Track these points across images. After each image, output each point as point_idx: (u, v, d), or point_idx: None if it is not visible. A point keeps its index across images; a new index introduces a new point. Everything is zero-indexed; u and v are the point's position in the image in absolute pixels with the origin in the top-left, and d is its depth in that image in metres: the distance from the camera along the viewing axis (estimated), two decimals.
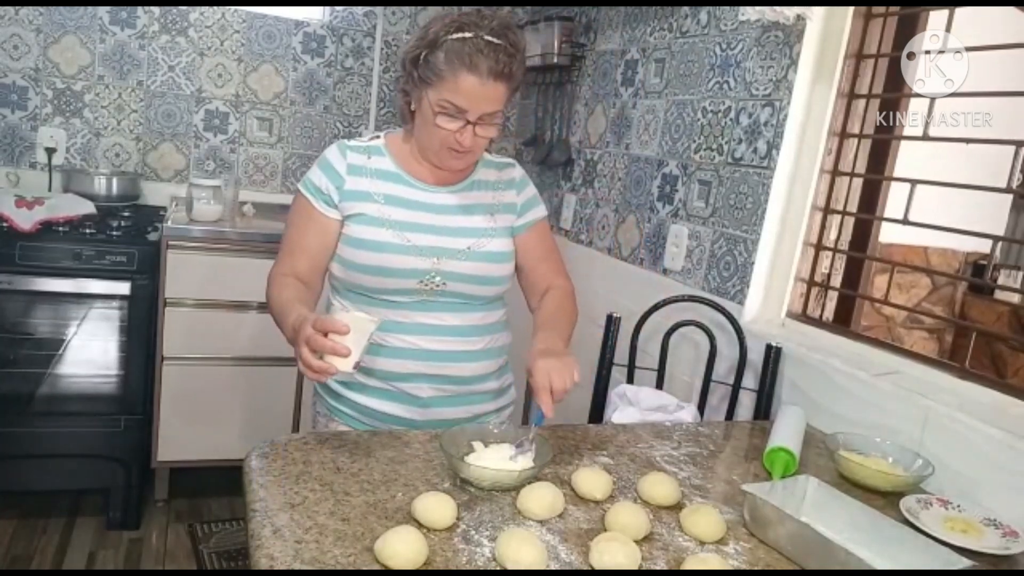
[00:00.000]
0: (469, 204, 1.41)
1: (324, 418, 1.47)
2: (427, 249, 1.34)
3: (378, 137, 1.42)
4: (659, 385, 1.89)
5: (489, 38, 1.22)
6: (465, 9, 1.27)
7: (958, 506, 1.21)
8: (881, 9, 1.73)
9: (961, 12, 1.55)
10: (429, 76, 1.25)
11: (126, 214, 2.54)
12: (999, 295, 3.02)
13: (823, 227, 1.83)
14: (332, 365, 1.09)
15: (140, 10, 2.73)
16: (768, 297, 1.89)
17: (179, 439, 2.44)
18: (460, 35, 1.22)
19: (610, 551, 0.91)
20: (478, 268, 1.37)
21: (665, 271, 2.21)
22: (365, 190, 1.35)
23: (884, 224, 1.84)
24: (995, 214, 2.77)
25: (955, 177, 1.57)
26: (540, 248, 1.49)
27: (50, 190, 2.62)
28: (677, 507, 1.10)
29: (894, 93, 1.71)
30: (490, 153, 1.48)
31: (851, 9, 1.72)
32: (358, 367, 1.13)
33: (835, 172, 1.80)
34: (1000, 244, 2.54)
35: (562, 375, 1.17)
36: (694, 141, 2.12)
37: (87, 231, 2.26)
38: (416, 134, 1.36)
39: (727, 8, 2.01)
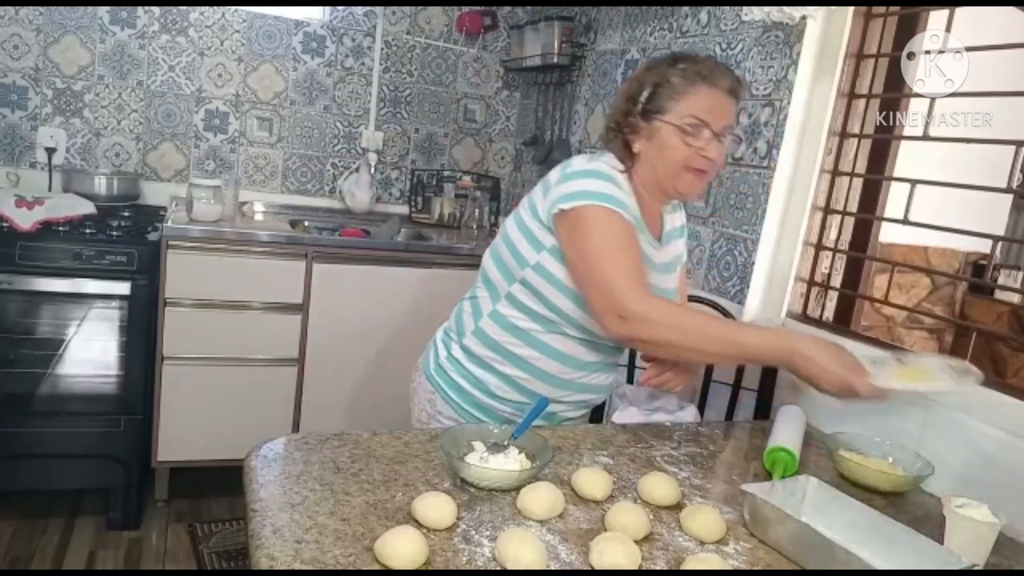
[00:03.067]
0: (670, 261, 1.44)
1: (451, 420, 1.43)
2: None
3: (623, 171, 1.32)
4: None
5: (714, 60, 1.31)
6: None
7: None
8: (881, 9, 1.73)
9: (961, 12, 1.55)
10: (665, 104, 1.27)
11: (126, 214, 2.54)
12: (999, 295, 3.01)
13: (823, 227, 1.83)
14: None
15: (140, 10, 2.73)
16: (768, 297, 1.89)
17: (179, 439, 2.44)
18: (688, 60, 1.29)
19: (610, 551, 0.91)
20: None
21: None
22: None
23: (884, 224, 1.84)
24: (995, 214, 2.76)
25: (955, 177, 1.57)
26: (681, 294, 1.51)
27: (50, 190, 2.62)
28: (677, 507, 1.10)
29: (894, 93, 1.71)
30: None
31: (851, 9, 1.72)
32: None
33: (835, 172, 1.80)
34: (1000, 244, 2.54)
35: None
36: None
37: (87, 231, 2.26)
38: (647, 169, 1.32)
39: (727, 8, 2.01)
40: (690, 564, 0.93)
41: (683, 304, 1.50)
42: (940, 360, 1.24)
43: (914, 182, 1.61)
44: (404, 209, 3.17)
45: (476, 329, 1.40)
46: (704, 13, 2.11)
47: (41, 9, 2.62)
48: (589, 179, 1.26)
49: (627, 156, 1.33)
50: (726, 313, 1.83)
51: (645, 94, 1.29)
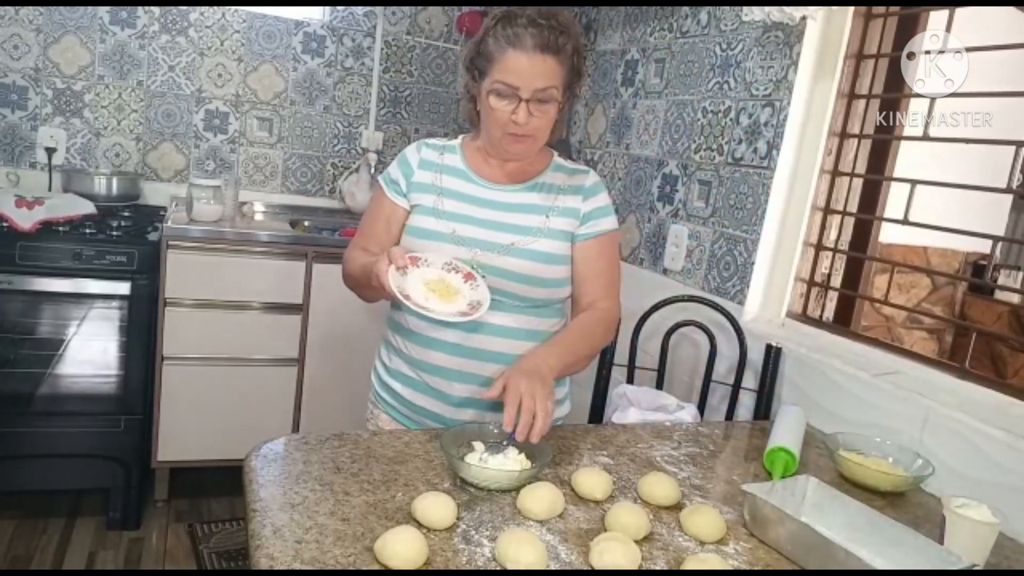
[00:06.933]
0: (524, 203, 1.38)
1: (374, 410, 1.50)
2: (468, 240, 1.33)
3: (457, 138, 1.47)
4: (659, 385, 1.89)
5: (533, 17, 1.26)
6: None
7: None
8: (881, 9, 1.73)
9: (961, 12, 1.55)
10: (484, 65, 1.29)
11: (126, 214, 2.54)
12: (999, 295, 3.02)
13: (823, 227, 1.83)
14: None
15: (140, 10, 2.72)
16: (768, 297, 1.89)
17: (179, 439, 2.44)
18: (505, 20, 1.27)
19: (610, 551, 0.91)
20: (521, 266, 1.33)
21: (665, 271, 2.21)
22: (429, 183, 1.40)
23: (884, 224, 1.84)
24: (995, 214, 2.76)
25: (955, 177, 1.57)
26: (597, 262, 1.40)
27: (50, 190, 2.62)
28: (677, 507, 1.10)
29: (894, 93, 1.71)
30: (565, 158, 1.46)
31: (851, 9, 1.72)
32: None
33: (835, 172, 1.80)
34: (1000, 244, 2.54)
35: (531, 399, 1.13)
36: (694, 141, 2.12)
37: (87, 231, 2.26)
38: (482, 131, 1.38)
39: (727, 8, 2.01)
40: (690, 564, 0.93)
41: (591, 306, 1.39)
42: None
43: (914, 182, 1.61)
44: None
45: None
46: (704, 13, 2.11)
47: (41, 9, 2.61)
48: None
49: (476, 116, 1.39)
50: (727, 314, 1.83)
51: (471, 58, 1.33)
